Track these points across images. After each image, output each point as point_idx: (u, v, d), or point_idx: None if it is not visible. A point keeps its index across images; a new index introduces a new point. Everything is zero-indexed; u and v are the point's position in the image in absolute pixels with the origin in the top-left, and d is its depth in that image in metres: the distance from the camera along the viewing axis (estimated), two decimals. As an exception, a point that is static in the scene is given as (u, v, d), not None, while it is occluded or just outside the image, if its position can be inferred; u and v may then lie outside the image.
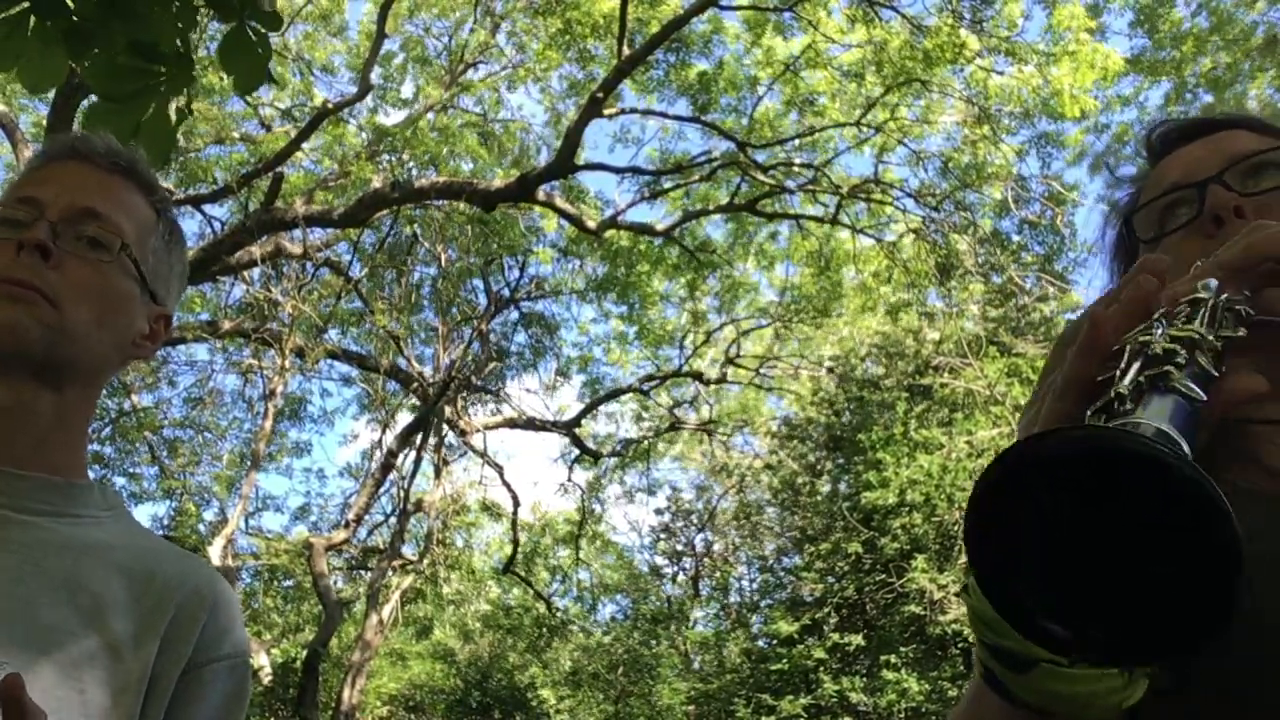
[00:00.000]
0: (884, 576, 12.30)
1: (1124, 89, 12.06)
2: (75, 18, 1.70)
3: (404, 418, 13.44)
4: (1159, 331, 0.54)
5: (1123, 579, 0.47)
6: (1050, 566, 0.48)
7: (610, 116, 10.42)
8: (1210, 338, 0.53)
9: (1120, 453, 0.44)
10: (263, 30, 1.82)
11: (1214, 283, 0.59)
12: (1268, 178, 0.89)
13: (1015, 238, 11.62)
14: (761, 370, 14.14)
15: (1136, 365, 0.52)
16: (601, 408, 15.23)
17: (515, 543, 14.28)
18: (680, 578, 16.95)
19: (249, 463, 12.64)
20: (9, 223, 1.01)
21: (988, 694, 0.66)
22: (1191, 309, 0.56)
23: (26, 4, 1.69)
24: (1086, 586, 0.48)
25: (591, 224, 10.94)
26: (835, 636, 12.41)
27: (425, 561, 13.99)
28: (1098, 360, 0.56)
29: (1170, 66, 11.98)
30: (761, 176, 10.84)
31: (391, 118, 12.92)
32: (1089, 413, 0.52)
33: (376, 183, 10.97)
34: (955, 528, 11.49)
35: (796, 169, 11.19)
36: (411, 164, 11.90)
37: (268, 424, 12.41)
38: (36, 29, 1.69)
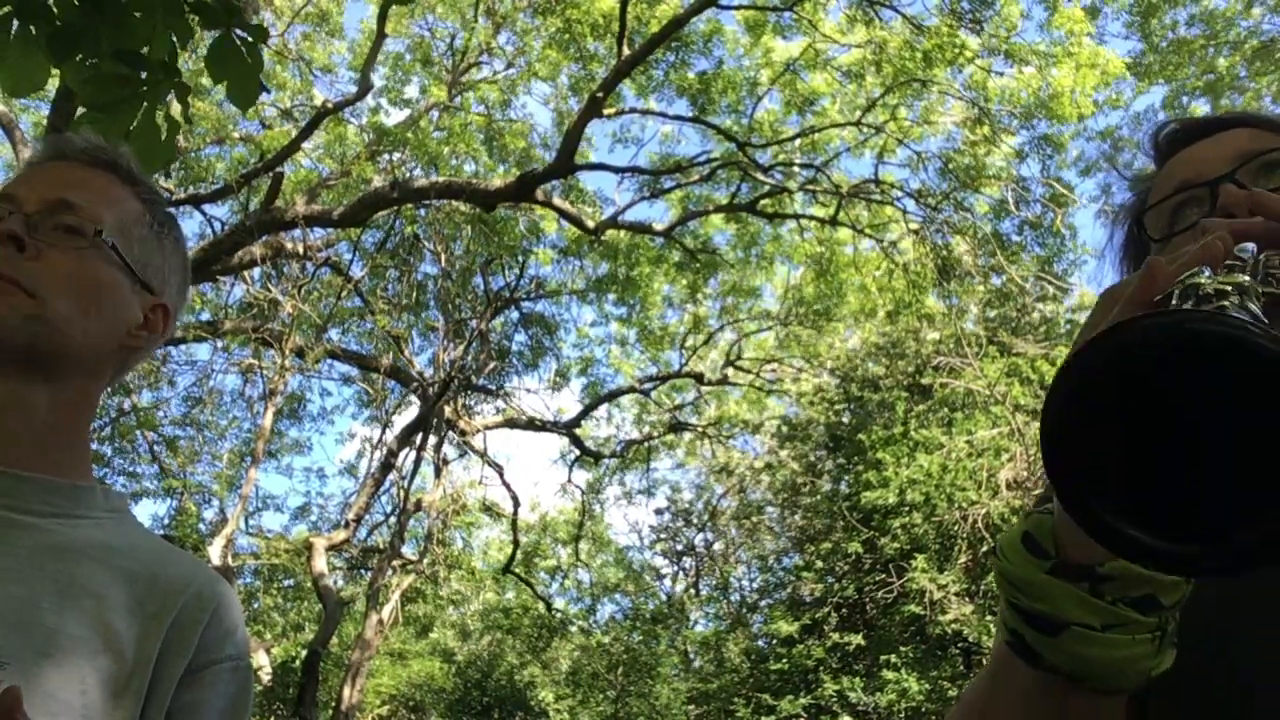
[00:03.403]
0: (884, 576, 12.29)
1: (1120, 92, 12.05)
2: (58, 22, 1.70)
3: (404, 417, 13.46)
4: (1206, 274, 0.54)
5: (1220, 476, 0.46)
6: (1139, 473, 0.47)
7: (610, 116, 10.42)
8: (1259, 288, 0.53)
9: (1211, 335, 0.44)
10: (251, 40, 1.81)
11: (1252, 246, 0.60)
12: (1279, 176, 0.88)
13: (1015, 238, 11.61)
14: (761, 373, 14.15)
15: (1190, 303, 0.51)
16: (602, 409, 15.25)
17: (515, 543, 14.29)
18: (680, 578, 16.96)
19: (249, 462, 12.64)
20: None
21: (1013, 662, 0.64)
22: (1232, 263, 0.57)
23: (9, 8, 1.69)
24: (1180, 489, 0.47)
25: (591, 224, 10.94)
26: (835, 636, 12.40)
27: (425, 561, 13.99)
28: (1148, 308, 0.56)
29: (1169, 70, 11.96)
30: (761, 177, 10.84)
31: (393, 117, 12.94)
32: None
33: (377, 182, 10.99)
34: (955, 528, 11.47)
35: (796, 169, 11.19)
36: (413, 164, 11.91)
37: (267, 423, 12.41)
38: (19, 32, 1.69)
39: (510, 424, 14.07)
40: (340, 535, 12.60)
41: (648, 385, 14.44)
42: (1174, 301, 0.52)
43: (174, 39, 1.81)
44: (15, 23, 1.70)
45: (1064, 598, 0.60)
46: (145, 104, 1.71)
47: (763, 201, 11.12)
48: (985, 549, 11.22)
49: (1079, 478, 0.48)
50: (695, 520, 16.46)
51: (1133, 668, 0.60)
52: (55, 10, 1.72)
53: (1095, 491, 0.48)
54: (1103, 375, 0.46)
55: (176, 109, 1.92)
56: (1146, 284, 0.57)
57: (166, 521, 13.22)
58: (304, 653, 12.05)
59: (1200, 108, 11.94)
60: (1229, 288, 0.51)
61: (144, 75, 1.72)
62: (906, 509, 11.99)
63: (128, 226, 1.08)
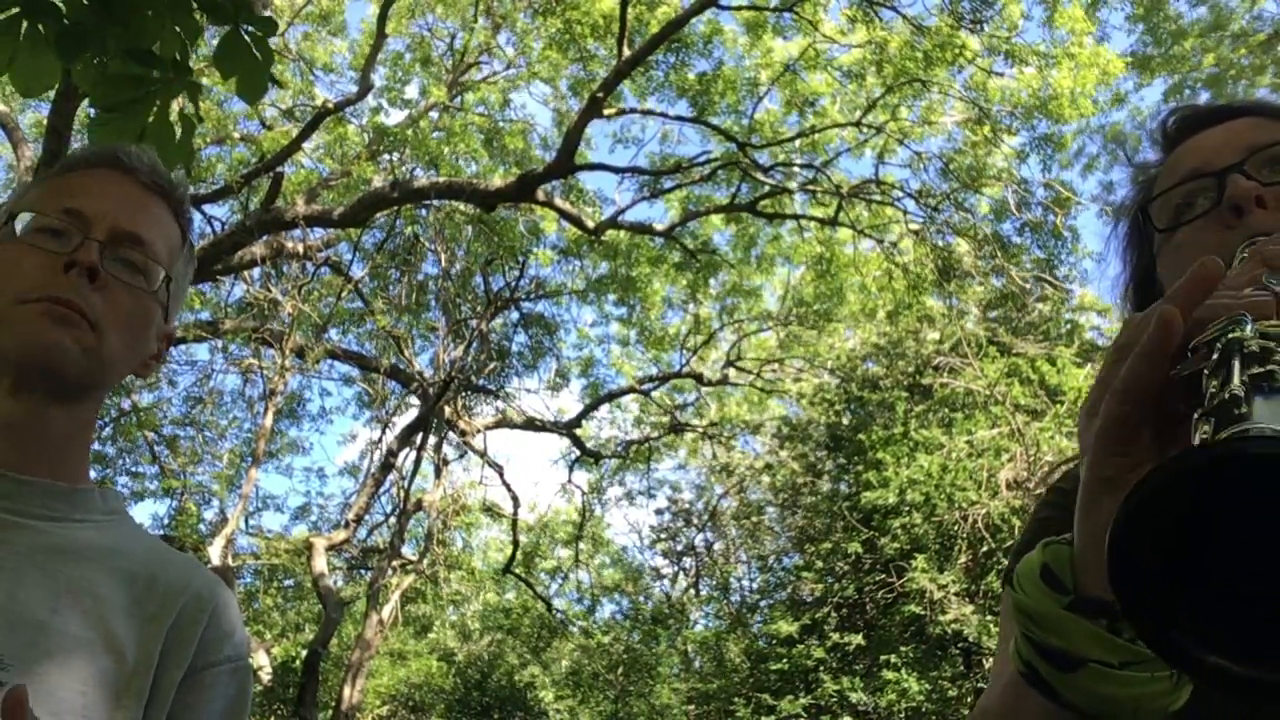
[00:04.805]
0: (884, 576, 12.28)
1: (1121, 86, 12.03)
2: (66, 21, 1.70)
3: (404, 418, 13.46)
4: (1248, 328, 0.51)
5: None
6: (1203, 596, 0.46)
7: (610, 117, 10.42)
8: None
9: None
10: (260, 34, 1.81)
11: None
12: None
13: (1016, 240, 11.60)
14: (761, 373, 14.15)
15: (1237, 364, 0.48)
16: (603, 410, 15.24)
17: (515, 543, 14.27)
18: (680, 578, 16.94)
19: (249, 462, 12.63)
20: (51, 232, 1.01)
21: (1028, 693, 0.63)
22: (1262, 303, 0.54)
23: (18, 9, 1.69)
24: (1239, 613, 0.45)
25: (591, 224, 10.94)
26: (835, 636, 12.38)
27: (425, 561, 13.99)
28: (1164, 362, 0.54)
29: (1174, 62, 11.94)
30: (761, 177, 10.83)
31: (393, 117, 12.94)
32: (1195, 416, 0.48)
33: (377, 182, 10.99)
34: (955, 527, 11.47)
35: (796, 169, 11.19)
36: (413, 164, 11.91)
37: (267, 423, 12.40)
38: (28, 32, 1.69)
39: (510, 424, 14.06)
40: (340, 535, 12.60)
41: (648, 386, 14.43)
42: (1215, 359, 0.50)
43: (183, 37, 1.81)
44: (24, 23, 1.70)
45: (1081, 634, 0.58)
46: (158, 104, 1.70)
47: (763, 202, 11.12)
48: (985, 549, 11.22)
49: (1155, 609, 0.46)
50: (695, 520, 16.45)
51: (1149, 705, 0.58)
52: (63, 9, 1.72)
53: (1172, 621, 0.46)
54: (1163, 501, 0.44)
55: (188, 106, 1.91)
56: (1157, 342, 0.54)
57: (166, 521, 13.20)
58: (304, 653, 12.05)
59: (1204, 99, 11.93)
60: (1274, 344, 0.49)
61: (155, 74, 1.71)
62: (906, 509, 11.98)
63: (172, 261, 1.09)
